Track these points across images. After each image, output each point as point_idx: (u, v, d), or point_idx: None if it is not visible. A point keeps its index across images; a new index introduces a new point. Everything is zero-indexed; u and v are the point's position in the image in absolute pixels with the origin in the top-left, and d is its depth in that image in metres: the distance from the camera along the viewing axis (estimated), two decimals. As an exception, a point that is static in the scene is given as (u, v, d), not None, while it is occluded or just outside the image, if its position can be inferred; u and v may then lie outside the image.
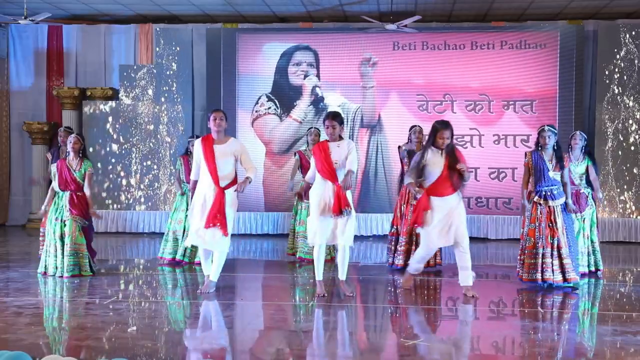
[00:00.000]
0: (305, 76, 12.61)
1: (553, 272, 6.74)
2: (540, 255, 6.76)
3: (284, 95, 12.59)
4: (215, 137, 6.52)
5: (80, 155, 7.53)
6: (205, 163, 6.44)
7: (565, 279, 6.77)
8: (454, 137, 6.56)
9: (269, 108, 12.60)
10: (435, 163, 6.39)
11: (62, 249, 7.38)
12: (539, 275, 6.77)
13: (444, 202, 6.38)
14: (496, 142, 12.13)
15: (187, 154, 8.48)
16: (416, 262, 6.75)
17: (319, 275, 6.45)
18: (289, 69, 12.70)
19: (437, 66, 12.34)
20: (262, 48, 12.66)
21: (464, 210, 6.52)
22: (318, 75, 12.52)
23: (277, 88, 12.59)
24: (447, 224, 6.40)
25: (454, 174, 6.38)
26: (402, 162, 8.22)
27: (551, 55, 12.05)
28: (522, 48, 12.20)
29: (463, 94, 12.28)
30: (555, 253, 6.77)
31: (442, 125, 6.43)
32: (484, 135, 12.19)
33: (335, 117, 6.44)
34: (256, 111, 12.53)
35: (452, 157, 6.38)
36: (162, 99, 12.28)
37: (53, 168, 7.63)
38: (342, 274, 6.50)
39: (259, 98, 12.57)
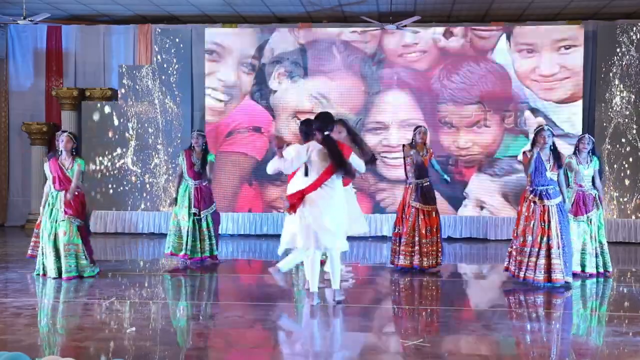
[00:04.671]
0: (289, 78, 11.15)
1: (535, 271, 6.78)
2: (528, 254, 6.81)
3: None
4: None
5: (73, 153, 7.49)
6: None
7: (549, 279, 6.77)
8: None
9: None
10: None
11: (57, 251, 7.35)
12: (529, 273, 6.81)
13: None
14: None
15: (190, 149, 8.43)
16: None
17: (314, 286, 6.04)
18: (266, 69, 11.09)
19: (465, 65, 10.24)
20: (229, 39, 11.02)
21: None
22: (305, 77, 11.28)
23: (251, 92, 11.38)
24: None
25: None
26: (404, 160, 8.20)
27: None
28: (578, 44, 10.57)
29: (500, 102, 10.20)
30: (543, 253, 6.78)
31: None
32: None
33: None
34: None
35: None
36: (161, 100, 12.25)
37: (46, 167, 7.57)
38: (335, 283, 6.12)
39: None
